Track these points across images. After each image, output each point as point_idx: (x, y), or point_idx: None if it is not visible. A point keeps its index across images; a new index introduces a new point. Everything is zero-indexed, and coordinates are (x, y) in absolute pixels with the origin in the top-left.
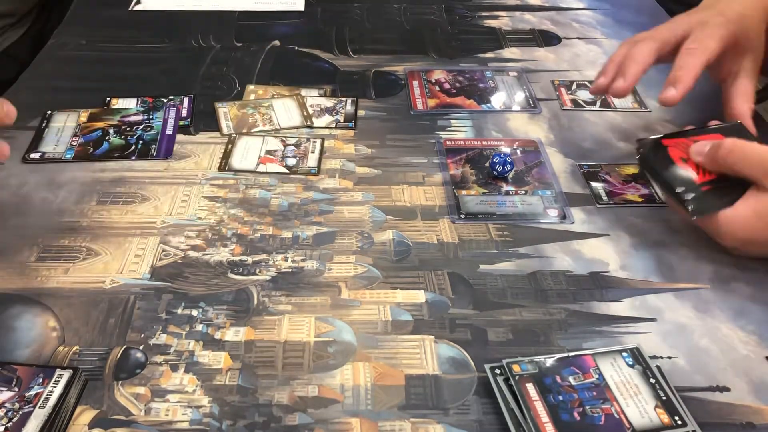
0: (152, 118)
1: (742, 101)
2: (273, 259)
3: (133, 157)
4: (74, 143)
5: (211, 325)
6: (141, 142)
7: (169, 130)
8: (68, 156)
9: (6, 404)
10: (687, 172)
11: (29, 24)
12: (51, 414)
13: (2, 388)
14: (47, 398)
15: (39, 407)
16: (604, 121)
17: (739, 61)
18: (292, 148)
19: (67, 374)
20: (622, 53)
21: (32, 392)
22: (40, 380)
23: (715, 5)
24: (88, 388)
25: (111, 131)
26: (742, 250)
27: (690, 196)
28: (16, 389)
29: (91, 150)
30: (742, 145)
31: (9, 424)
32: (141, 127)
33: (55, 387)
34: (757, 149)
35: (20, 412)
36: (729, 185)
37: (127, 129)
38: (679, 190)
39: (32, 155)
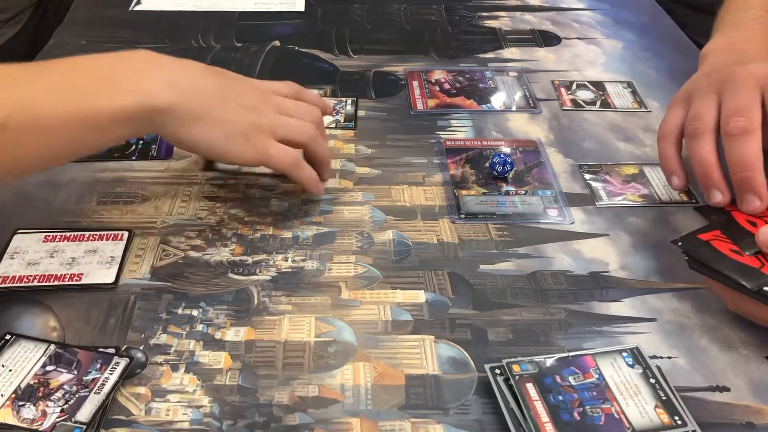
0: None
1: None
2: (273, 259)
3: (134, 157)
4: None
5: (212, 325)
6: (141, 142)
7: None
8: None
9: (65, 386)
10: (746, 263)
11: (26, 20)
12: (105, 400)
13: (63, 370)
14: (103, 384)
15: (95, 392)
16: (604, 121)
17: None
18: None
19: (123, 362)
20: (709, 151)
21: (90, 377)
22: (98, 366)
23: (735, 45)
24: None
25: None
26: None
27: None
28: (75, 372)
29: None
30: None
31: (65, 406)
32: None
33: (111, 374)
34: None
35: (77, 395)
36: None
37: None
38: (752, 285)
39: None
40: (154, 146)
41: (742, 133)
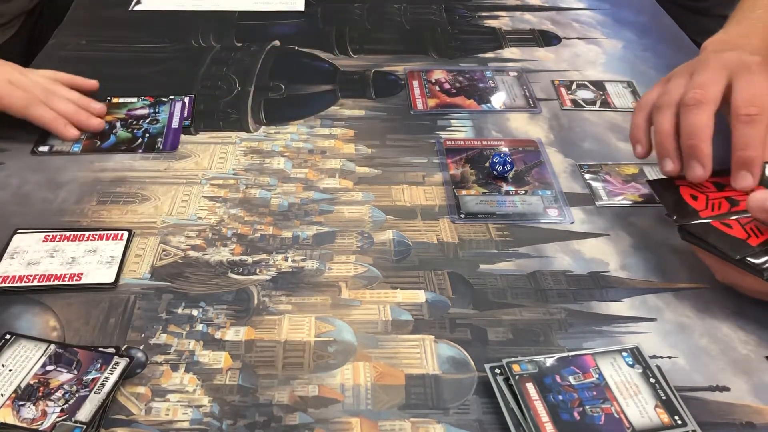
0: (158, 112)
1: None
2: (273, 258)
3: (140, 150)
4: (82, 137)
5: (212, 324)
6: (147, 135)
7: (175, 124)
8: (75, 149)
9: (65, 385)
10: (733, 235)
11: (19, 25)
12: (105, 400)
13: (63, 369)
14: (103, 384)
15: (95, 392)
16: (604, 121)
17: None
18: None
19: (123, 362)
20: (668, 121)
21: (89, 377)
22: (98, 365)
23: (733, 40)
24: None
25: (118, 125)
26: None
27: (758, 258)
28: (75, 372)
29: (99, 143)
30: None
31: (65, 406)
32: (147, 120)
33: (111, 374)
34: None
35: (77, 395)
36: None
37: (134, 122)
38: (737, 255)
39: (41, 148)
40: (160, 139)
41: (695, 104)
